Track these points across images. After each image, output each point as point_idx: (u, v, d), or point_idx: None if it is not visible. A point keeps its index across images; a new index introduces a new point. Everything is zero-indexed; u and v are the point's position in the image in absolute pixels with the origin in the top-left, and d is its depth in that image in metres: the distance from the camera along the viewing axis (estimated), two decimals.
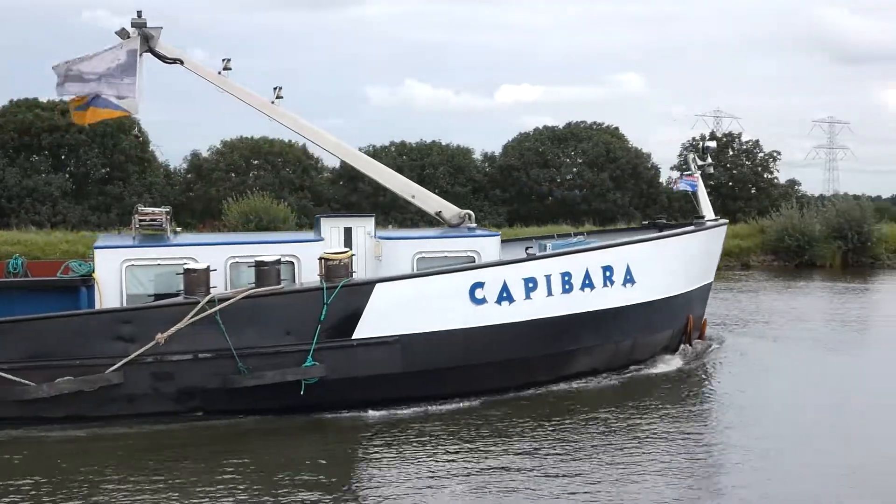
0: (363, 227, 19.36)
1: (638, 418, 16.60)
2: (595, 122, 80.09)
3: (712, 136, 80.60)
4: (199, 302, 16.21)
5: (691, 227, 22.57)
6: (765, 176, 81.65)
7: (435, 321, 17.34)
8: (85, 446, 14.99)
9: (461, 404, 17.30)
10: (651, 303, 20.39)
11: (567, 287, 18.64)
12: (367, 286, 17.06)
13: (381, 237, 19.39)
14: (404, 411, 16.92)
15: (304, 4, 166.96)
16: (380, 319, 16.93)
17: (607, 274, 19.30)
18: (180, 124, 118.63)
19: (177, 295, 17.20)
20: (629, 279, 19.70)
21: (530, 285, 18.17)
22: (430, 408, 17.08)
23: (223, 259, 17.57)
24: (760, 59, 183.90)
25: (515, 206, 70.08)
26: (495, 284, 17.82)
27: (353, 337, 16.82)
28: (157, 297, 17.36)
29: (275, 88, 21.63)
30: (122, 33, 20.33)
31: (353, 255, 17.50)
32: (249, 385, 16.22)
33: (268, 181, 62.77)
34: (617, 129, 79.24)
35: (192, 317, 16.06)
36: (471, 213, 22.35)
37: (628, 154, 75.32)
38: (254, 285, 16.80)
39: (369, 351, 16.88)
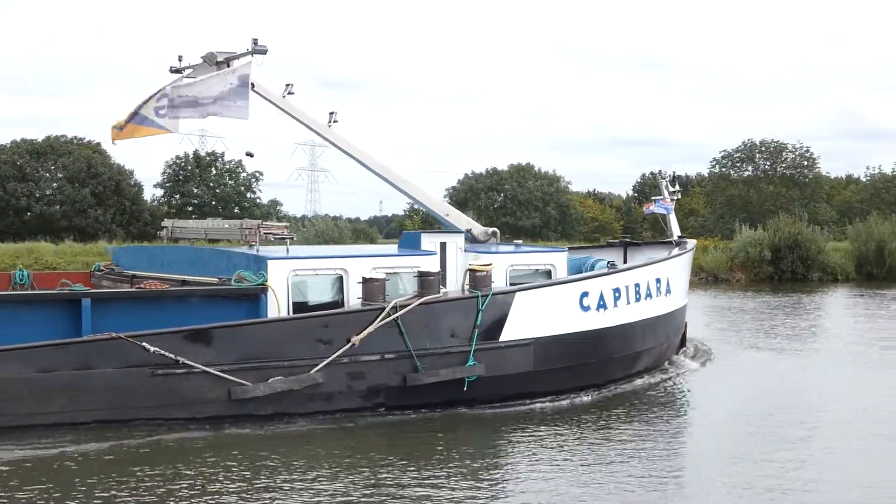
0: (455, 242, 21.52)
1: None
2: (76, 137, 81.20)
3: (196, 156, 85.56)
4: (384, 308, 17.98)
5: (677, 247, 26.35)
6: (248, 196, 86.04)
7: (556, 325, 19.92)
8: (285, 442, 16.23)
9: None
10: (678, 310, 23.99)
11: (637, 296, 21.78)
12: (510, 295, 19.39)
13: (470, 250, 21.60)
14: (533, 406, 19.26)
15: None
16: (519, 324, 19.31)
17: (657, 285, 22.63)
18: None
19: (335, 303, 18.87)
20: (668, 290, 23.15)
21: (616, 294, 21.16)
22: (555, 402, 19.61)
23: (368, 269, 19.27)
24: None
25: None
26: (596, 293, 20.66)
27: (500, 339, 19.11)
28: (310, 305, 18.82)
29: (330, 113, 23.35)
30: (210, 57, 21.52)
31: (494, 266, 19.76)
32: (426, 382, 18.15)
33: None
34: (99, 144, 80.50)
35: (381, 320, 17.80)
36: (496, 230, 24.97)
37: (111, 170, 76.86)
38: (418, 293, 18.75)
39: (512, 352, 19.21)
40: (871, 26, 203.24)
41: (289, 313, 18.38)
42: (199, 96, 20.68)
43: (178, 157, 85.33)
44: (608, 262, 22.40)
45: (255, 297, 18.12)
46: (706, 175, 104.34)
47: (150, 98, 21.96)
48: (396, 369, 18.06)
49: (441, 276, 20.30)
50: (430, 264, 20.15)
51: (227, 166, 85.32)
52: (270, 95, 22.43)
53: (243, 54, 21.34)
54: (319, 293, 19.04)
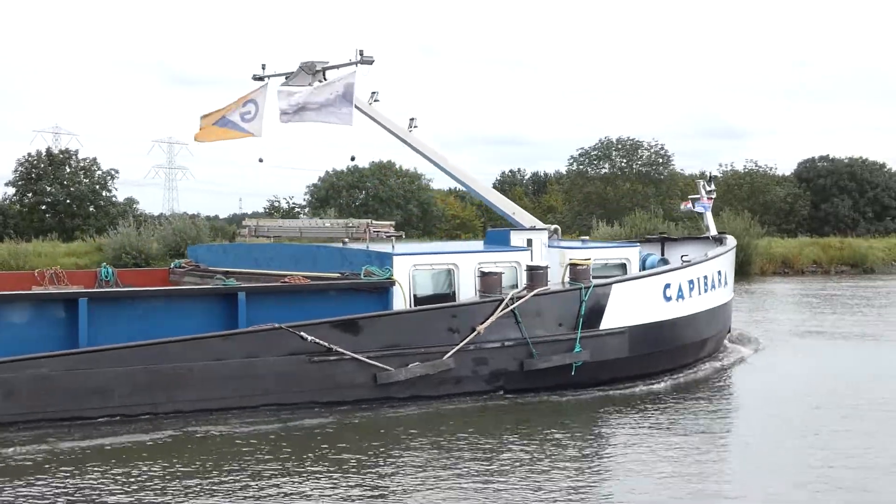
0: (540, 239, 23.12)
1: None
2: None
3: (48, 153, 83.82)
4: (503, 299, 19.48)
5: (716, 243, 28.23)
6: (103, 194, 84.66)
7: (645, 315, 21.59)
8: (415, 423, 17.49)
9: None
10: (730, 301, 25.86)
11: (705, 288, 23.56)
12: (608, 287, 21.00)
13: (553, 247, 23.18)
14: (624, 391, 20.83)
15: None
16: (615, 313, 20.93)
17: (719, 277, 24.45)
18: None
19: (447, 295, 20.35)
20: (725, 282, 25.00)
21: (691, 286, 22.91)
22: (647, 386, 21.23)
23: (475, 265, 20.77)
24: (102, 77, 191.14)
25: None
26: (676, 285, 22.38)
27: (601, 328, 20.71)
28: (426, 297, 20.25)
29: (410, 119, 24.80)
30: (309, 67, 22.93)
31: (592, 261, 21.37)
32: (540, 367, 19.69)
33: None
34: None
35: (501, 311, 19.30)
36: (558, 227, 26.58)
37: None
38: (528, 286, 20.28)
39: (610, 339, 20.83)
40: (726, 26, 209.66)
41: (410, 305, 19.80)
42: (305, 103, 22.00)
43: (30, 155, 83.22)
44: (681, 257, 24.13)
45: (384, 290, 19.51)
46: (564, 172, 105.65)
47: (236, 103, 23.26)
48: (515, 355, 19.55)
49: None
50: (525, 259, 21.72)
51: (82, 164, 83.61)
52: (359, 102, 23.80)
53: (344, 64, 22.74)
54: (434, 286, 20.51)
